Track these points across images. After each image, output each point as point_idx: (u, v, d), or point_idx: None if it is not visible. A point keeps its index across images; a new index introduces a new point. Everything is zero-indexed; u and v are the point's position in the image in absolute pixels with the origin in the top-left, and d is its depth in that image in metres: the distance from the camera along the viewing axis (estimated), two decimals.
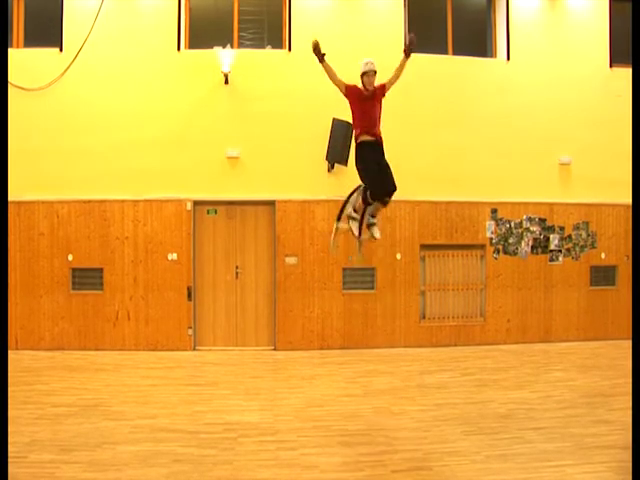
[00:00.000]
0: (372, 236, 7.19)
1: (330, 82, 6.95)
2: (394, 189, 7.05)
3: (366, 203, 7.06)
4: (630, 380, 8.42)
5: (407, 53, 7.07)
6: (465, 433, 6.28)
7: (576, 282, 11.41)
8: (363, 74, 6.95)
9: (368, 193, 6.96)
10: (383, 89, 7.08)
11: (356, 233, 7.15)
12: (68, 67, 10.46)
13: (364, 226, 7.20)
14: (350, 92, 7.03)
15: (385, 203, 7.09)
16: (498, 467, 5.40)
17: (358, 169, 7.02)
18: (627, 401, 7.34)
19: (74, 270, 10.51)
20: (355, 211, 7.21)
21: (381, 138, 7.10)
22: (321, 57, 6.88)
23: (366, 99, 6.99)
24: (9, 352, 9.67)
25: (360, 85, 6.94)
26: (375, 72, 6.96)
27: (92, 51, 10.44)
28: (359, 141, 7.07)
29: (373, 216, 7.23)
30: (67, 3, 10.48)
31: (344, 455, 5.75)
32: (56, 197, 10.41)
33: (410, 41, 7.07)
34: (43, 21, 10.82)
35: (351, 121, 9.50)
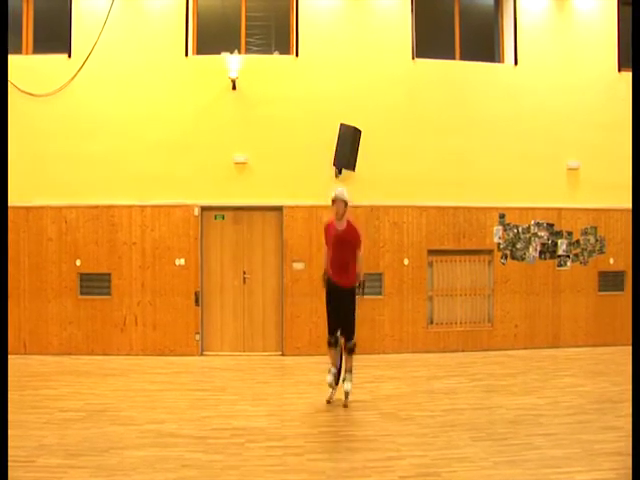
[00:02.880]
0: (345, 392, 7.45)
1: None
2: (348, 335, 7.38)
3: (329, 344, 7.48)
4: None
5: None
6: (473, 439, 6.25)
7: (584, 287, 11.37)
8: (332, 202, 7.24)
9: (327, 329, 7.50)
10: (357, 234, 7.31)
11: (330, 382, 7.53)
12: (77, 73, 10.51)
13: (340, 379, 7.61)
14: (326, 238, 7.45)
15: (349, 350, 7.42)
16: (507, 473, 5.37)
17: None
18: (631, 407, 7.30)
19: (82, 275, 10.54)
20: (332, 365, 7.59)
21: (349, 287, 7.32)
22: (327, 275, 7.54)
23: (338, 240, 7.23)
24: (17, 357, 9.73)
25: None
26: (346, 203, 7.24)
27: (100, 57, 10.49)
28: (327, 277, 7.49)
29: (347, 371, 7.53)
30: (76, 9, 10.54)
31: (351, 461, 5.73)
32: (64, 202, 10.45)
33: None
34: (52, 27, 10.88)
35: (359, 126, 9.69)
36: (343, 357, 7.55)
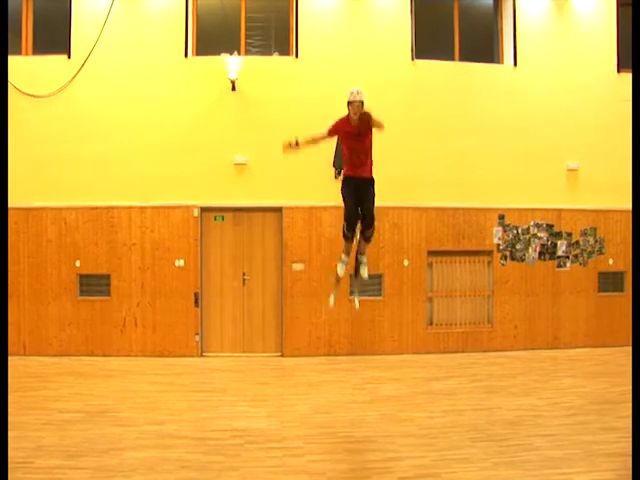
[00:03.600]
0: (360, 276, 7.24)
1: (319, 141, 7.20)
2: (369, 222, 7.08)
3: (344, 236, 7.14)
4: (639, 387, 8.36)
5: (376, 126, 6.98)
6: (473, 440, 6.25)
7: (584, 288, 11.37)
8: (349, 103, 6.86)
9: (343, 223, 7.10)
10: (369, 117, 6.88)
11: (340, 274, 7.22)
12: (76, 74, 10.51)
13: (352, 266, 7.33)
14: (336, 130, 7.04)
15: (366, 238, 7.18)
16: (506, 474, 5.37)
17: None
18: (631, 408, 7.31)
19: (81, 276, 10.53)
20: (345, 254, 7.26)
21: (369, 177, 7.09)
22: (296, 146, 7.09)
23: (353, 135, 6.95)
24: (17, 358, 9.73)
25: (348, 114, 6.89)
26: (362, 102, 6.83)
27: (100, 58, 10.49)
28: (344, 175, 7.19)
29: (362, 254, 7.28)
30: (75, 10, 10.54)
31: (351, 462, 5.74)
32: (64, 204, 10.45)
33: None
34: (51, 28, 10.89)
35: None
36: (359, 242, 7.27)
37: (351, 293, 7.56)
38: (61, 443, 6.03)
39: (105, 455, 5.74)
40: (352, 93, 6.84)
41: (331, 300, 7.37)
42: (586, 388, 8.43)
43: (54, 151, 10.42)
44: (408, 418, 7.03)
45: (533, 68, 11.28)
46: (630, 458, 5.61)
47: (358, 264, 7.27)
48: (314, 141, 7.14)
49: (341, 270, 7.23)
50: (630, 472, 5.33)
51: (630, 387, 8.13)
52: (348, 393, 8.25)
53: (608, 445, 6.05)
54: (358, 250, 7.30)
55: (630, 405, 7.26)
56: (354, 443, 6.26)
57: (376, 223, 7.21)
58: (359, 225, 7.12)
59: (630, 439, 6.10)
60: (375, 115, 6.76)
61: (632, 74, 5.58)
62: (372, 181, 7.10)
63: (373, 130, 6.97)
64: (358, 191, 7.04)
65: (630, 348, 10.57)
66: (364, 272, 7.22)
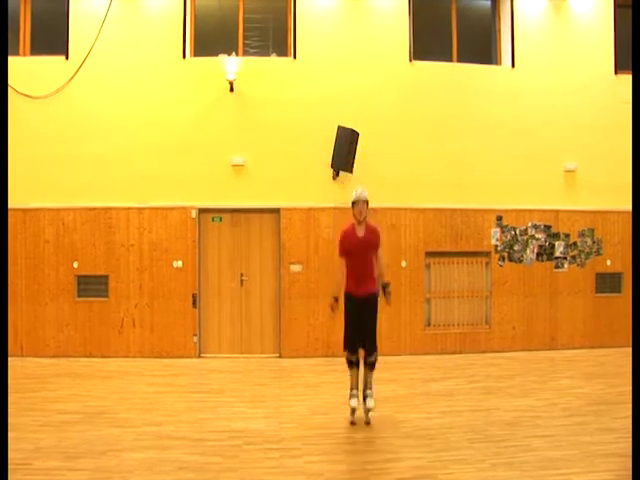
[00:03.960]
0: (367, 409, 6.89)
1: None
2: (371, 349, 6.86)
3: (349, 363, 6.96)
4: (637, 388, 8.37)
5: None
6: (471, 441, 6.25)
7: (582, 289, 11.38)
8: (353, 203, 6.77)
9: (345, 351, 6.95)
10: (378, 238, 6.89)
11: (355, 407, 6.89)
12: (74, 75, 10.51)
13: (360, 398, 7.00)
14: (343, 247, 6.86)
15: (370, 365, 6.90)
16: (504, 475, 5.37)
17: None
18: (631, 409, 7.32)
19: (79, 277, 10.53)
20: (354, 388, 6.98)
21: (374, 292, 6.87)
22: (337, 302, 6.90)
23: (360, 247, 6.76)
24: (15, 359, 9.71)
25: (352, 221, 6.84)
26: (367, 202, 6.77)
27: (98, 59, 10.49)
28: (346, 292, 6.90)
29: (368, 388, 6.98)
30: (73, 11, 10.54)
31: (349, 463, 5.73)
32: (61, 204, 10.45)
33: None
34: (49, 29, 10.89)
35: (356, 129, 9.45)
36: (364, 373, 7.02)
37: (365, 398, 6.96)
38: (59, 444, 6.02)
39: (103, 456, 5.73)
40: (356, 192, 6.80)
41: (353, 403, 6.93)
42: (584, 389, 8.43)
43: (52, 152, 10.41)
44: (406, 419, 7.02)
45: (531, 69, 11.30)
46: (628, 459, 5.63)
47: (364, 396, 6.96)
48: (341, 279, 6.94)
49: (355, 403, 6.89)
50: (629, 472, 5.35)
51: (628, 388, 8.16)
52: (346, 394, 8.21)
53: (606, 446, 6.05)
54: (364, 382, 7.01)
55: (628, 406, 7.28)
56: (352, 444, 6.25)
57: (374, 367, 6.96)
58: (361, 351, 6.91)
59: (628, 440, 6.12)
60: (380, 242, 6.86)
61: (632, 74, 5.61)
62: (376, 299, 6.91)
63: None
64: (360, 312, 6.84)
65: (628, 349, 10.59)
66: (370, 403, 6.87)
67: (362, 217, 6.76)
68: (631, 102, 5.76)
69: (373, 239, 6.85)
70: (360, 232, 6.82)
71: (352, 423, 6.80)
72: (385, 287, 6.95)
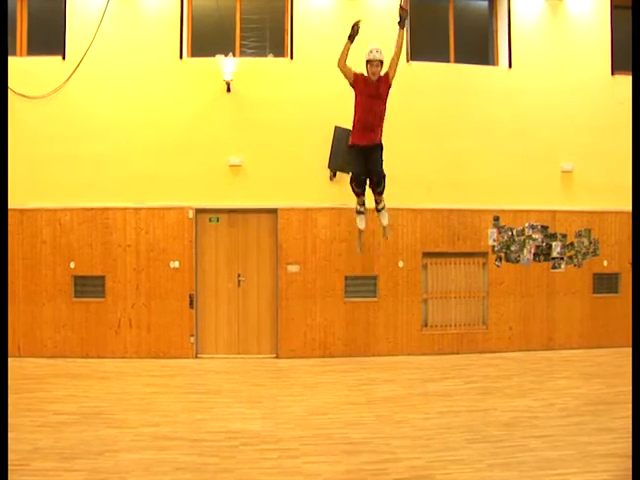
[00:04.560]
0: (382, 224, 7.26)
1: (340, 73, 6.96)
2: (380, 181, 6.96)
3: (355, 193, 7.08)
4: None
5: (401, 24, 6.84)
6: (468, 441, 6.26)
7: (579, 289, 11.39)
8: (367, 62, 6.71)
9: (351, 184, 7.01)
10: (387, 81, 6.83)
11: (360, 227, 7.24)
12: (71, 75, 10.49)
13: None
14: (357, 81, 6.81)
15: (379, 193, 7.07)
16: (501, 475, 5.38)
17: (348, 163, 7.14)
18: (631, 409, 7.33)
19: (76, 278, 10.51)
20: (360, 205, 7.21)
21: (379, 142, 6.94)
22: (353, 37, 6.77)
23: (371, 95, 6.75)
24: (12, 360, 9.67)
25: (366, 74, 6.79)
26: (381, 62, 6.74)
27: (95, 59, 10.46)
28: (352, 143, 6.97)
29: (378, 203, 7.24)
30: (70, 11, 10.51)
31: (347, 463, 5.73)
32: (58, 205, 10.42)
33: (401, 11, 6.85)
34: (46, 29, 10.87)
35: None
36: (374, 199, 7.24)
37: (378, 211, 7.29)
38: (56, 445, 6.02)
39: (100, 457, 5.73)
40: (371, 51, 6.69)
41: (360, 224, 7.32)
42: (581, 389, 8.45)
43: (49, 152, 10.39)
44: (403, 419, 7.03)
45: (528, 70, 11.30)
46: (626, 459, 5.65)
47: (378, 211, 7.29)
48: (343, 56, 6.94)
49: (361, 223, 7.24)
50: (626, 473, 5.36)
51: (626, 388, 8.21)
52: (343, 394, 8.25)
53: (604, 446, 6.07)
54: (377, 206, 7.29)
55: (626, 406, 7.31)
56: (349, 444, 6.25)
57: (383, 193, 7.16)
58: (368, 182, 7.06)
59: (626, 440, 6.14)
60: (392, 75, 6.80)
61: (632, 75, 5.61)
62: (381, 146, 6.95)
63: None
64: (366, 157, 6.90)
65: (626, 349, 10.65)
66: (385, 219, 7.28)
67: (376, 77, 6.74)
68: (631, 102, 5.77)
69: (381, 91, 6.82)
70: (372, 82, 6.80)
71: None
72: (403, 13, 6.86)
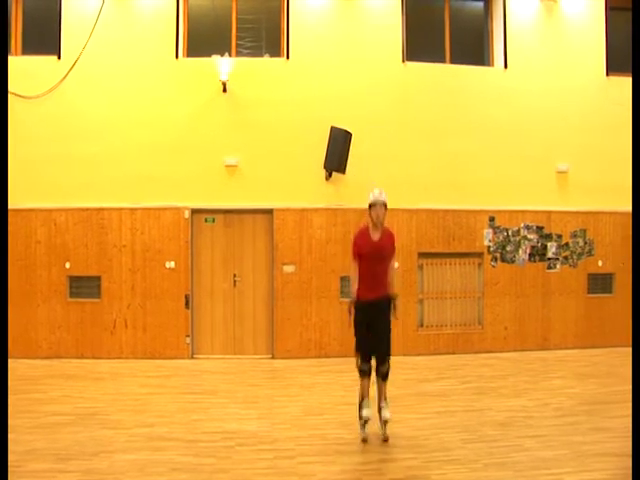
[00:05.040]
0: (384, 421, 6.38)
1: None
2: (384, 357, 6.46)
3: (360, 372, 6.47)
4: (629, 387, 8.43)
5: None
6: (464, 441, 6.26)
7: (574, 290, 11.42)
8: (371, 206, 6.37)
9: (357, 358, 6.49)
10: (393, 244, 6.55)
11: (368, 416, 6.44)
12: (66, 75, 10.48)
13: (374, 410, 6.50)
14: (358, 250, 6.41)
15: (383, 376, 6.47)
16: (497, 475, 5.38)
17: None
18: (626, 408, 7.33)
19: (71, 278, 10.49)
20: (365, 398, 6.53)
21: (387, 295, 6.51)
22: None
23: (375, 251, 6.37)
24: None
25: (368, 222, 6.48)
26: (385, 205, 6.39)
27: (90, 58, 10.46)
28: (357, 300, 6.45)
29: (382, 399, 6.51)
30: (65, 10, 10.51)
31: (342, 463, 5.73)
32: (53, 205, 10.41)
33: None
34: (41, 28, 10.86)
35: (349, 129, 9.38)
36: (376, 384, 6.55)
37: (380, 410, 6.46)
38: (51, 446, 6.00)
39: (95, 458, 5.71)
40: (374, 194, 6.40)
41: (361, 433, 6.42)
42: (576, 389, 8.46)
43: (44, 152, 10.37)
44: (399, 419, 7.02)
45: (523, 70, 11.33)
46: (620, 458, 5.67)
47: (379, 409, 6.47)
48: (355, 279, 6.49)
49: (368, 413, 6.42)
50: (621, 472, 5.37)
51: (620, 387, 8.26)
52: (339, 395, 8.24)
53: (598, 445, 6.07)
54: (379, 394, 6.51)
55: (620, 405, 7.35)
56: (345, 445, 6.24)
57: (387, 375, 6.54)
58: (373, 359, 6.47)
59: (620, 439, 6.16)
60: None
61: (632, 76, 5.64)
62: (389, 304, 6.53)
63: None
64: (373, 317, 6.44)
65: (620, 349, 10.75)
66: (387, 414, 6.37)
67: (379, 221, 6.40)
68: (631, 103, 5.79)
69: (389, 245, 6.53)
70: (375, 236, 6.46)
71: (364, 440, 6.29)
72: (392, 300, 6.60)
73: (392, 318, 6.58)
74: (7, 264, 8.13)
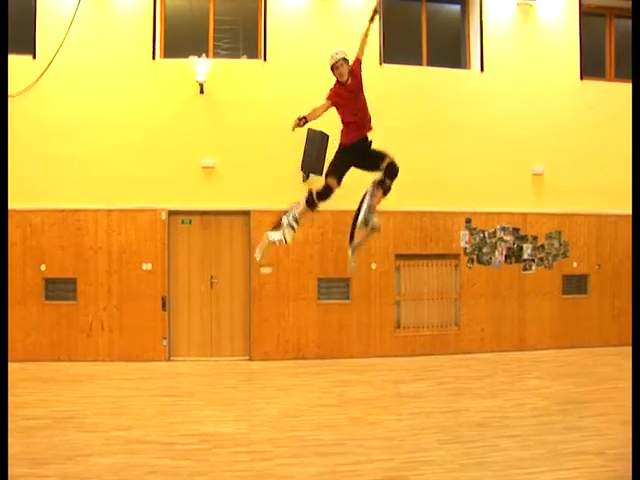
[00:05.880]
0: (373, 227, 6.65)
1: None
2: (395, 170, 6.64)
3: (310, 205, 6.53)
4: (603, 387, 8.57)
5: (371, 20, 6.66)
6: (440, 442, 6.31)
7: (549, 291, 11.53)
8: (332, 68, 6.51)
9: (318, 193, 6.49)
10: (356, 70, 6.57)
11: (288, 239, 6.63)
12: (42, 74, 10.37)
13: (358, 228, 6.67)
14: (335, 95, 6.55)
15: (386, 190, 6.69)
16: (473, 475, 5.43)
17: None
18: (599, 407, 7.47)
19: (47, 280, 10.38)
20: (299, 218, 6.65)
21: (367, 135, 6.73)
22: (304, 122, 6.54)
23: (351, 96, 6.53)
24: None
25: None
26: (345, 59, 6.49)
27: (66, 58, 10.35)
28: (345, 145, 6.67)
29: (372, 211, 6.72)
30: (40, 10, 10.40)
31: (320, 465, 5.75)
32: (29, 206, 10.28)
33: (374, 13, 6.73)
34: (16, 28, 10.70)
35: (326, 131, 9.41)
36: (373, 195, 6.78)
37: (352, 251, 6.72)
38: (27, 450, 5.95)
39: (71, 462, 5.68)
40: (332, 56, 6.48)
41: (258, 255, 6.78)
42: (551, 389, 8.56)
43: (18, 152, 10.20)
44: (376, 421, 7.07)
45: (499, 74, 11.42)
46: (593, 456, 5.75)
47: (366, 220, 6.68)
48: (317, 115, 6.61)
49: (289, 236, 6.66)
50: (594, 470, 5.45)
51: (594, 387, 8.40)
52: (316, 397, 8.27)
53: (572, 444, 6.16)
54: (368, 206, 6.71)
55: (594, 405, 7.48)
56: (323, 446, 6.27)
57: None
58: (379, 175, 6.64)
59: (594, 438, 6.26)
60: (359, 53, 6.54)
61: (632, 74, 5.72)
62: (369, 140, 6.77)
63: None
64: (366, 155, 6.62)
65: (594, 349, 10.92)
66: (376, 220, 6.65)
67: (345, 79, 6.46)
68: (631, 103, 5.89)
69: (356, 80, 6.58)
70: (347, 82, 6.53)
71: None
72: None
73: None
74: (7, 264, 8.05)
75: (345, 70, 6.46)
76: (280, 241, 6.61)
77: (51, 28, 10.39)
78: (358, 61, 6.58)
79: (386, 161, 6.65)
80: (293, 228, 6.62)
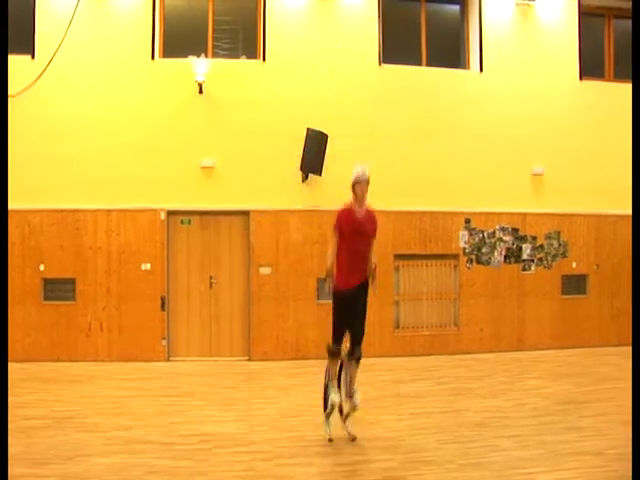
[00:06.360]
0: (353, 406, 6.42)
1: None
2: (359, 339, 6.46)
3: (331, 353, 6.45)
4: (602, 387, 8.57)
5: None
6: (440, 442, 6.30)
7: (548, 291, 11.54)
8: (356, 184, 6.28)
9: (330, 341, 6.44)
10: (376, 225, 6.50)
11: (338, 401, 6.42)
12: (40, 74, 10.37)
13: (344, 396, 6.51)
14: (340, 224, 6.31)
15: (357, 359, 6.46)
16: (473, 475, 5.43)
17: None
18: (599, 408, 7.47)
19: (46, 280, 10.38)
20: (334, 379, 6.52)
21: (365, 280, 6.42)
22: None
23: (359, 230, 6.30)
24: None
25: (350, 203, 6.36)
26: (368, 182, 6.31)
27: (65, 59, 10.35)
28: (338, 289, 6.35)
29: (353, 384, 6.50)
30: (39, 9, 10.39)
31: (319, 465, 5.74)
32: (28, 206, 10.26)
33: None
34: (15, 28, 10.68)
35: (325, 131, 9.38)
36: (348, 368, 6.55)
37: (352, 395, 6.44)
38: (27, 450, 5.94)
39: (71, 462, 5.66)
40: (357, 173, 6.28)
41: (327, 431, 6.42)
42: (551, 389, 8.55)
43: (17, 153, 10.17)
44: (376, 421, 7.05)
45: (498, 74, 11.43)
46: (593, 456, 5.75)
47: (351, 394, 6.45)
48: (334, 260, 6.35)
49: (337, 398, 6.40)
50: (593, 470, 5.45)
51: (594, 387, 8.40)
52: (316, 396, 8.18)
53: (572, 444, 6.15)
54: (351, 379, 6.50)
55: (594, 405, 7.48)
56: (322, 447, 6.26)
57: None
58: (347, 348, 6.45)
59: (594, 438, 6.26)
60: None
61: (632, 75, 5.74)
62: (367, 285, 6.45)
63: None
64: (353, 300, 6.36)
65: (593, 349, 10.93)
66: (358, 399, 6.40)
67: (364, 197, 6.32)
68: (631, 104, 5.90)
69: (372, 225, 6.47)
70: (360, 213, 6.36)
71: (330, 440, 6.31)
72: (372, 274, 6.48)
73: (371, 291, 6.52)
74: (7, 264, 8.04)
75: (366, 190, 6.34)
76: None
77: (50, 28, 10.38)
78: (375, 219, 6.59)
79: (360, 327, 6.57)
80: (335, 389, 6.51)
